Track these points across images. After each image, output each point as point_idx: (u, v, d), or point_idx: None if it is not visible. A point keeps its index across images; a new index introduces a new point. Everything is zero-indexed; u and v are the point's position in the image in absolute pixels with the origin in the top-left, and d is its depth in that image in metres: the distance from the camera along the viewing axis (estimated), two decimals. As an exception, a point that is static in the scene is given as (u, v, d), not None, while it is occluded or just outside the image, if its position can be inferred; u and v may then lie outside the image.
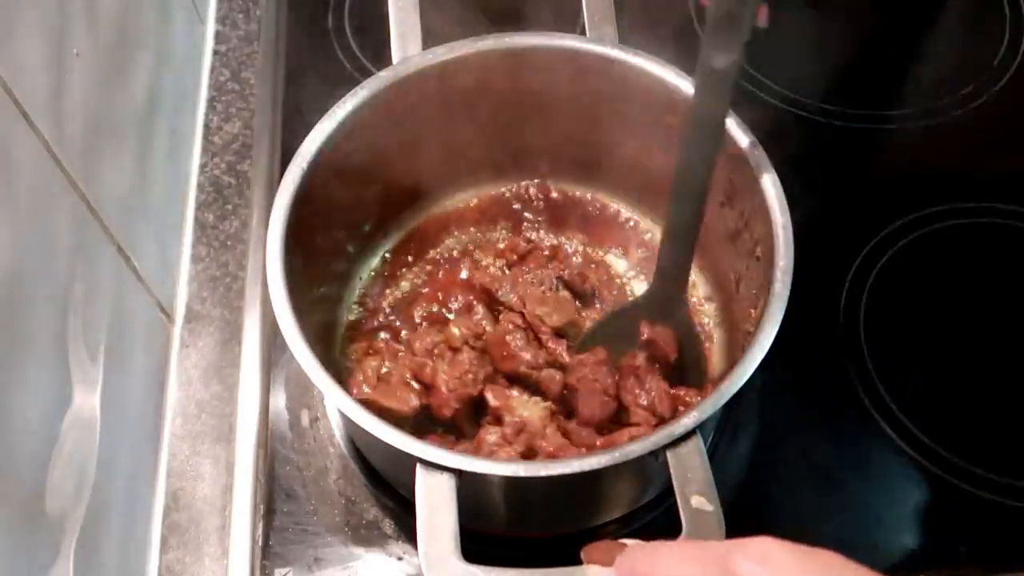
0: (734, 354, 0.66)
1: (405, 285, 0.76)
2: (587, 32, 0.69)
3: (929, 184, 0.85)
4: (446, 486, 0.52)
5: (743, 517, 0.68)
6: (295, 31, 0.93)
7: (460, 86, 0.69)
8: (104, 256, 0.64)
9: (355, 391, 0.65)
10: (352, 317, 0.74)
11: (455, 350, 0.67)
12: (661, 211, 0.66)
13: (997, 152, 0.88)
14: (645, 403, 0.64)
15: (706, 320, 0.73)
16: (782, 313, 0.58)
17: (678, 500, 0.52)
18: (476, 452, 0.62)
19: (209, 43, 0.92)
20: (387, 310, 0.74)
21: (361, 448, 0.71)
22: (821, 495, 0.70)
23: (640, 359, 0.65)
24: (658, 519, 0.68)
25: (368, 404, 0.60)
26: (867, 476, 0.71)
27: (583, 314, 0.72)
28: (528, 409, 0.63)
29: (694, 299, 0.74)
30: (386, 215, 0.76)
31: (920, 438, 0.72)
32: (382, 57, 0.68)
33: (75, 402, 0.56)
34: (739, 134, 0.65)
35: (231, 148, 0.86)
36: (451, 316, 0.73)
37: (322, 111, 0.66)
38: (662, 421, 0.63)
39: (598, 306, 0.74)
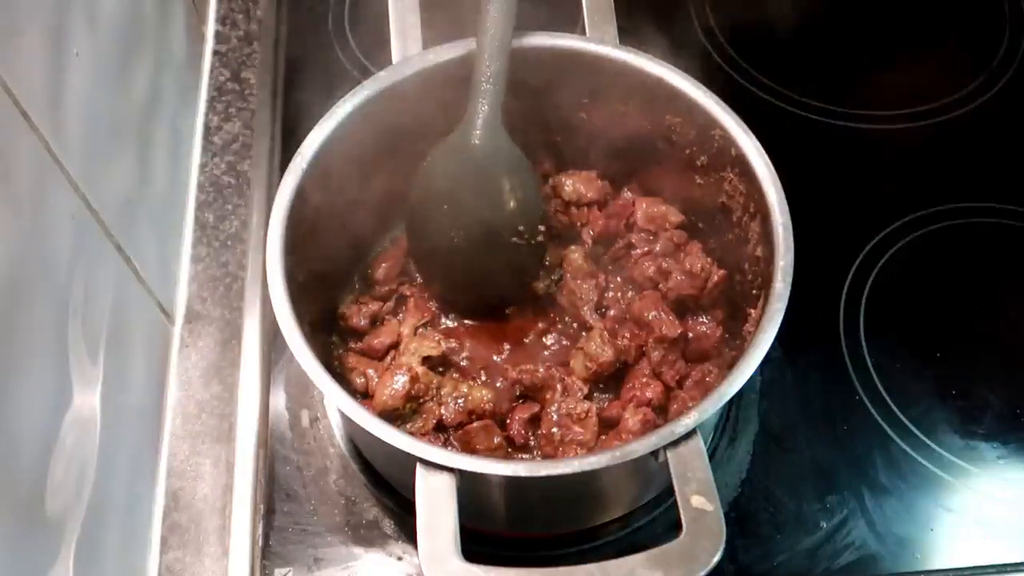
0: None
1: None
2: (587, 32, 0.69)
3: (929, 184, 0.85)
4: (446, 486, 0.52)
5: (743, 517, 0.69)
6: (295, 31, 0.93)
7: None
8: (104, 256, 0.64)
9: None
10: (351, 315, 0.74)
11: None
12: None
13: (997, 152, 0.88)
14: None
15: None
16: (782, 313, 0.58)
17: (678, 500, 0.52)
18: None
19: (209, 43, 0.92)
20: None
21: (361, 448, 0.71)
22: (821, 495, 0.70)
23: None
24: (658, 519, 0.68)
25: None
26: (867, 476, 0.71)
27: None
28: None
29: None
30: (386, 215, 0.76)
31: (920, 438, 0.72)
32: (382, 57, 0.68)
33: (75, 402, 0.56)
34: (740, 134, 0.65)
35: (231, 148, 0.86)
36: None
37: (322, 111, 0.66)
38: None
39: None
